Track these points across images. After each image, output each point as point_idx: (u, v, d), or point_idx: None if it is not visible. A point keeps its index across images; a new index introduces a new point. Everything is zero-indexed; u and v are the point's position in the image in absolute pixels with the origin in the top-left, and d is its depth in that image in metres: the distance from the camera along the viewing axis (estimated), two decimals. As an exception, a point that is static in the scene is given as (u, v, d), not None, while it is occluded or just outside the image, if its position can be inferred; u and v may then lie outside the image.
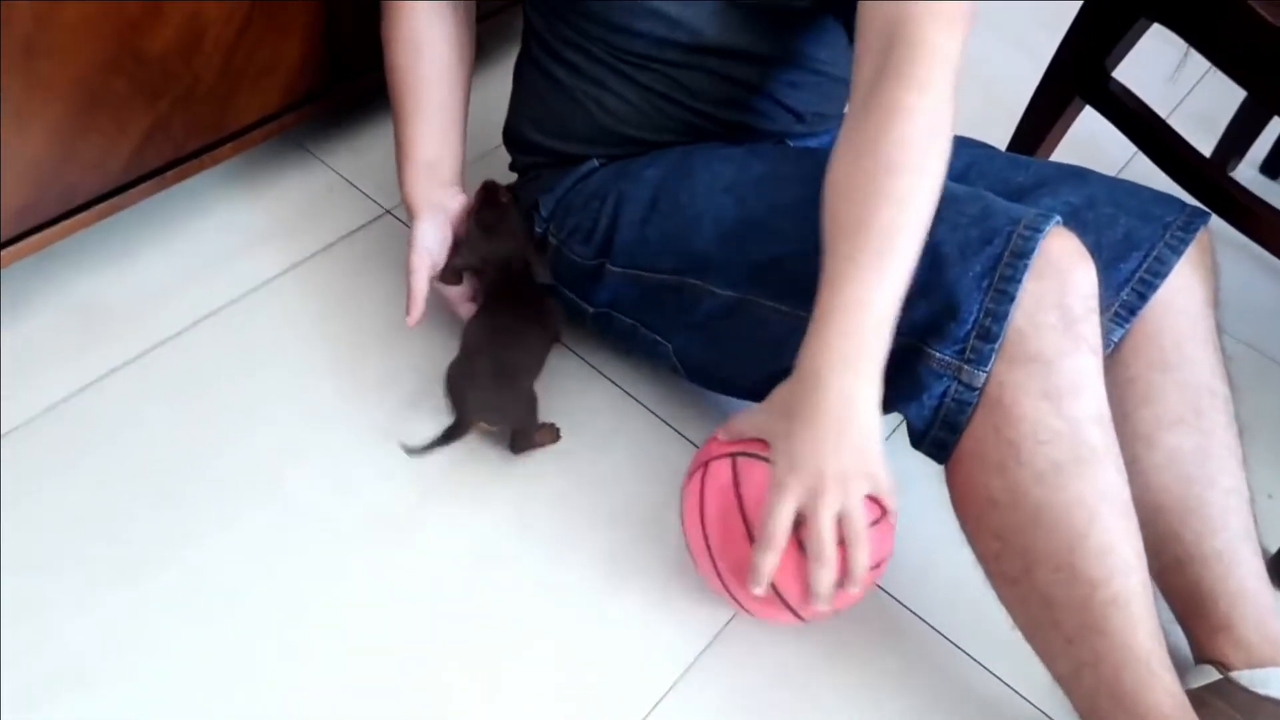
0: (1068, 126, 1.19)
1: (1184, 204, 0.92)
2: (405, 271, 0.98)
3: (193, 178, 1.10)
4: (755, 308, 0.85)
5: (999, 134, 1.21)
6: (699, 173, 0.88)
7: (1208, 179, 1.07)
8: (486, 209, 0.98)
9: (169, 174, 1.07)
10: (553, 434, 1.01)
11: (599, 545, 0.97)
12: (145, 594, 0.88)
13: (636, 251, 0.91)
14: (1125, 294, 0.89)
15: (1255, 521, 0.87)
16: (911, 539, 0.88)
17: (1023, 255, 0.74)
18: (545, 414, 0.99)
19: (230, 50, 1.04)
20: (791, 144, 0.97)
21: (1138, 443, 0.86)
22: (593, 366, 1.10)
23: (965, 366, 0.76)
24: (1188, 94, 1.57)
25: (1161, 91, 1.41)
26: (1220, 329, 0.93)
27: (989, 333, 0.75)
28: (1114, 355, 0.90)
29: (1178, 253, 0.89)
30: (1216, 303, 0.93)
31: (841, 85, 0.94)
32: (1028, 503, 0.74)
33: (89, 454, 0.96)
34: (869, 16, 0.78)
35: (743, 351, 0.88)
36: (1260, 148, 1.46)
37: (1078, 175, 0.94)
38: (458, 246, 0.99)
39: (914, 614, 0.96)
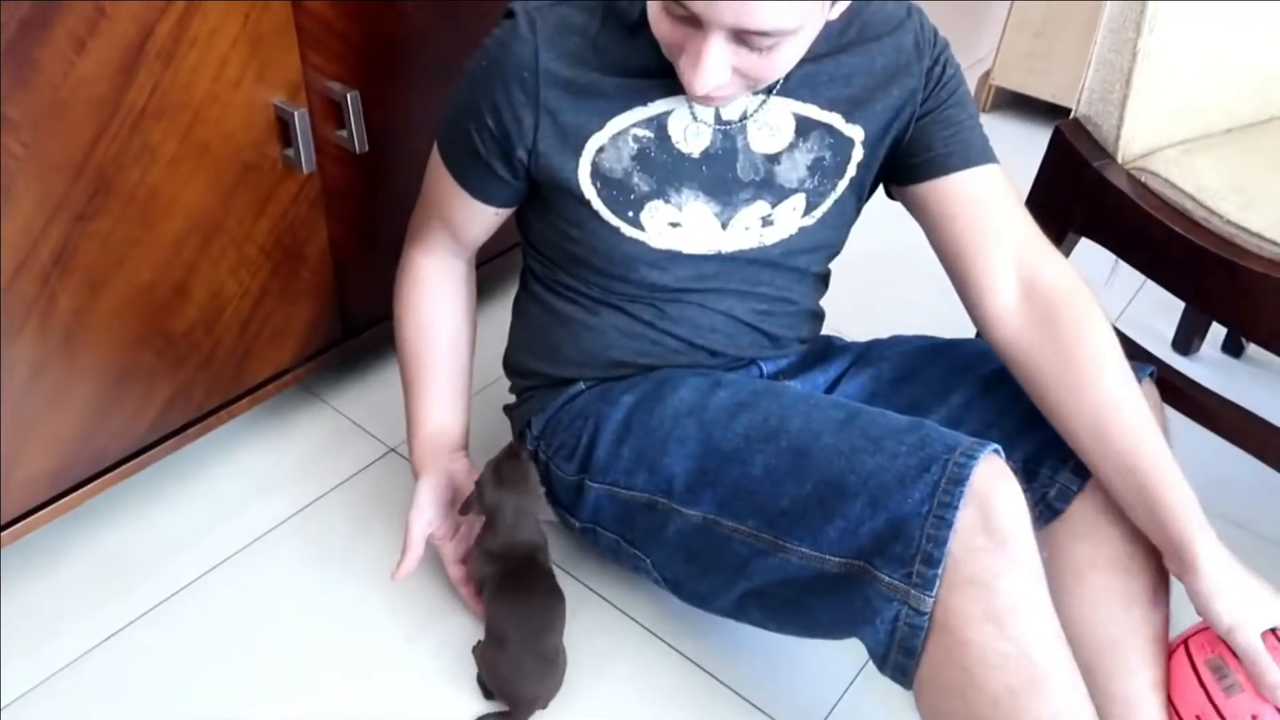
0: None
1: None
2: (404, 528, 1.04)
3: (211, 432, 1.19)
4: (718, 528, 0.90)
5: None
6: (668, 398, 0.96)
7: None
8: (506, 461, 1.02)
9: (190, 431, 1.16)
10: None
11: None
12: None
13: (612, 468, 0.97)
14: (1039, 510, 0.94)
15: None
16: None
17: (959, 482, 0.78)
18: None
19: (247, 319, 1.15)
20: (762, 365, 1.06)
21: (1068, 576, 0.90)
22: (585, 585, 1.14)
23: (913, 591, 0.79)
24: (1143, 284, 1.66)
25: (1106, 295, 1.50)
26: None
27: (931, 558, 0.79)
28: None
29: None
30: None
31: (805, 314, 1.07)
32: None
33: (108, 709, 1.00)
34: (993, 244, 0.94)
35: (712, 570, 0.93)
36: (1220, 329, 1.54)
37: (986, 355, 1.01)
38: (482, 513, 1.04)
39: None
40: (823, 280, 1.08)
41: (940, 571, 0.78)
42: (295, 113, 1.06)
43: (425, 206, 1.06)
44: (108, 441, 1.09)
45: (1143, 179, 1.08)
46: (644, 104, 0.90)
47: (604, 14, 0.88)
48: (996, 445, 0.82)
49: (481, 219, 1.02)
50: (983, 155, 0.95)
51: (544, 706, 1.00)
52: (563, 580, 1.13)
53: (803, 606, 0.88)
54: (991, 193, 0.94)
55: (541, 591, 1.00)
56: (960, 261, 0.95)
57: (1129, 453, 0.87)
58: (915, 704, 0.84)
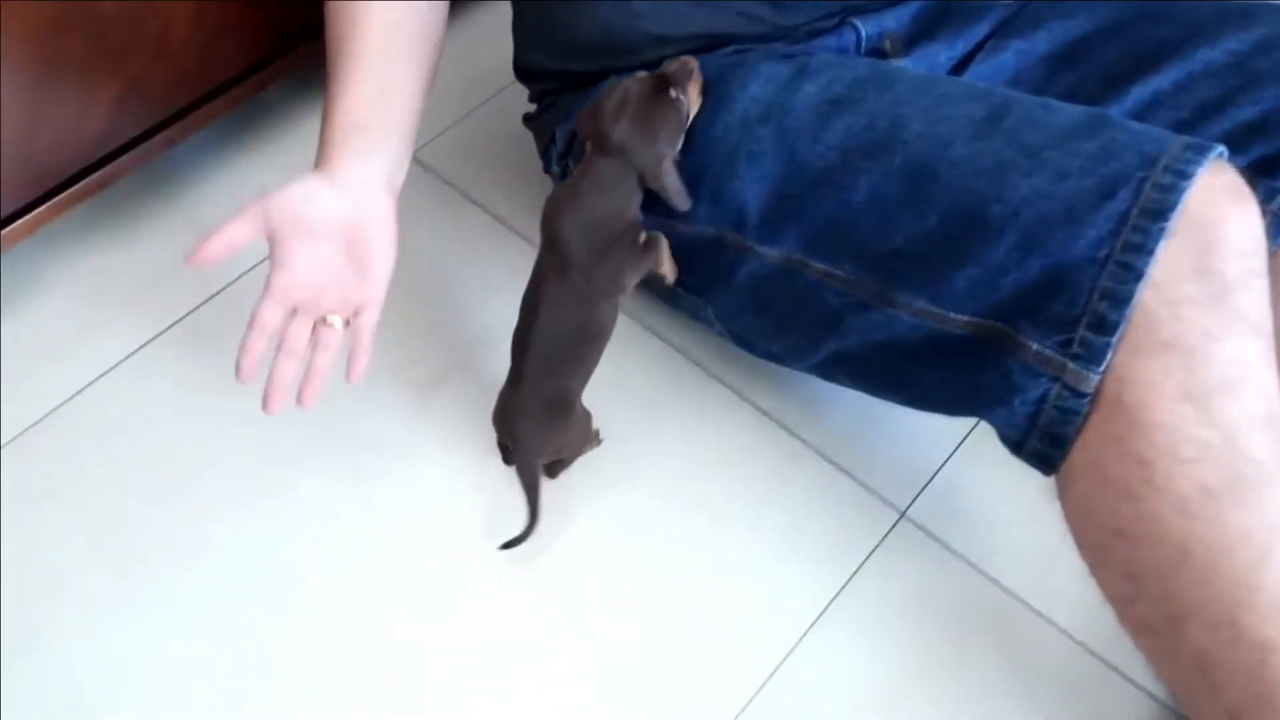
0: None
1: None
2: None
3: (192, 138, 0.99)
4: (805, 271, 0.67)
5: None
6: (735, 96, 0.70)
7: None
8: (654, 92, 0.70)
9: (156, 139, 0.96)
10: (595, 439, 0.87)
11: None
12: (151, 615, 0.80)
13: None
14: None
15: None
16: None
17: (1159, 215, 0.55)
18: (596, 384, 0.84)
19: (201, -10, 0.90)
20: (859, 24, 0.77)
21: None
22: (636, 320, 0.94)
23: (1070, 365, 0.57)
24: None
25: None
26: None
27: (1104, 322, 0.56)
28: None
29: None
30: None
31: None
32: (1170, 539, 0.56)
33: (93, 456, 0.88)
34: None
35: (793, 325, 0.71)
36: None
37: (1245, 13, 0.70)
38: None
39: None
40: None
41: (1115, 340, 0.56)
42: None
43: None
44: (50, 154, 0.90)
45: None
46: None
47: None
48: (1222, 147, 0.56)
49: None
50: None
51: (548, 461, 0.82)
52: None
53: (911, 377, 0.67)
54: None
55: (580, 318, 0.75)
56: None
57: None
58: (1056, 492, 0.63)
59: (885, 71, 0.68)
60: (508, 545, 0.80)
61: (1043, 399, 0.59)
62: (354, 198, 0.68)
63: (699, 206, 0.72)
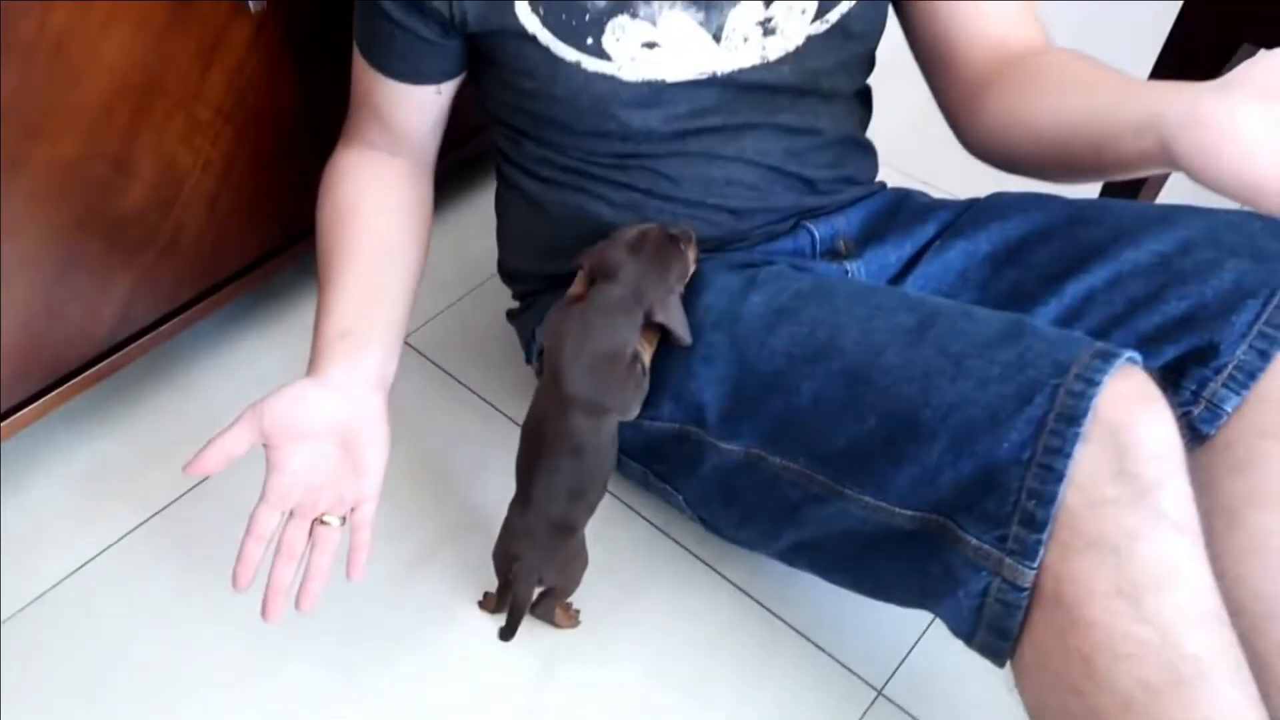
0: (1163, 183, 1.00)
1: None
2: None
3: (195, 325, 1.04)
4: (763, 465, 0.71)
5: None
6: (691, 304, 0.76)
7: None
8: (666, 238, 0.75)
9: (163, 329, 1.01)
10: (572, 618, 0.89)
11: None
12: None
13: None
14: (1242, 352, 0.70)
15: None
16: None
17: (1072, 420, 0.58)
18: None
19: (214, 194, 0.98)
20: (812, 228, 0.84)
21: (1218, 518, 0.67)
22: (618, 498, 0.98)
23: (1007, 560, 0.60)
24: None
25: None
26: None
27: (1034, 520, 0.59)
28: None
29: None
30: None
31: (842, 145, 0.84)
32: None
33: (91, 636, 0.90)
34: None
35: (757, 514, 0.75)
36: None
37: (1164, 218, 0.76)
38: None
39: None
40: (860, 100, 0.86)
41: (1045, 536, 0.59)
42: (231, -68, 0.84)
43: (354, 104, 0.86)
44: (61, 346, 0.95)
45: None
46: None
47: None
48: (1132, 353, 0.60)
49: (418, 102, 0.81)
50: None
51: (542, 588, 0.82)
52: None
53: (866, 568, 0.70)
54: None
55: (586, 446, 0.75)
56: (953, 48, 0.81)
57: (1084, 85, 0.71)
58: (1014, 682, 0.65)
59: (827, 283, 0.73)
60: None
61: (985, 592, 0.62)
62: (344, 398, 0.72)
63: (663, 404, 0.77)
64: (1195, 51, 0.91)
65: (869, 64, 0.85)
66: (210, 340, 1.13)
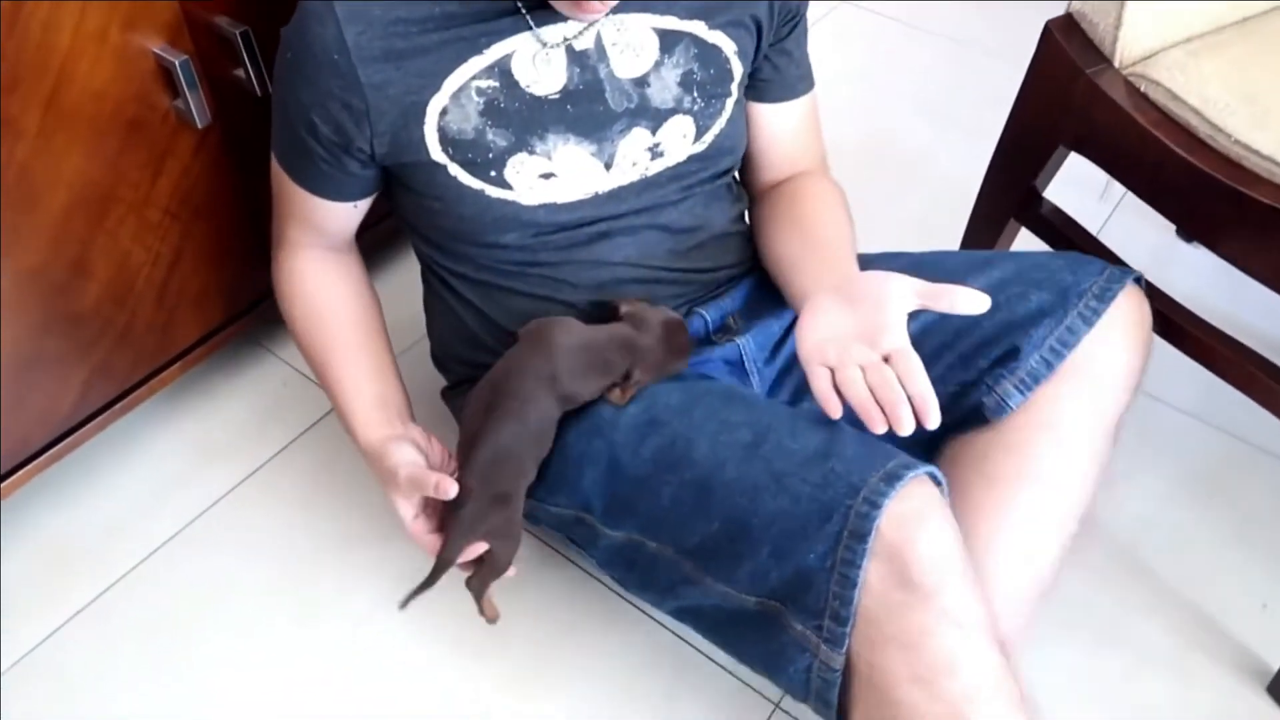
0: (1010, 242, 1.17)
1: (1104, 266, 0.89)
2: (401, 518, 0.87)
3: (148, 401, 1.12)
4: (645, 548, 0.84)
5: (953, 235, 1.21)
6: (578, 413, 0.88)
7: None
8: (677, 323, 0.89)
9: (116, 407, 1.09)
10: (494, 610, 0.94)
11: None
12: None
13: (535, 486, 0.89)
14: (1034, 361, 0.86)
15: None
16: None
17: (861, 537, 0.69)
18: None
19: (163, 285, 1.06)
20: (704, 313, 0.96)
21: (988, 490, 0.86)
22: (548, 543, 1.10)
23: (823, 646, 0.72)
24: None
25: (1097, 207, 1.39)
26: (1120, 428, 0.89)
27: (839, 616, 0.70)
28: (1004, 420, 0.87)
29: (1089, 322, 0.86)
30: (1139, 382, 0.90)
31: (723, 238, 0.96)
32: None
33: (55, 713, 0.98)
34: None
35: (648, 583, 0.87)
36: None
37: (986, 261, 0.92)
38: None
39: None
40: (731, 192, 0.99)
41: (849, 630, 0.71)
42: (177, 61, 0.93)
43: (280, 211, 0.95)
44: (27, 430, 1.02)
45: (1142, 88, 0.95)
46: (478, 52, 0.81)
47: None
48: (920, 470, 0.72)
49: (342, 215, 0.93)
50: (809, 81, 0.98)
51: (475, 553, 0.85)
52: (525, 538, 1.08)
53: (729, 636, 0.83)
54: (801, 120, 0.98)
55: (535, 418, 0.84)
56: (755, 158, 1.00)
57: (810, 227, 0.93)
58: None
59: (690, 399, 0.84)
60: (405, 601, 0.84)
61: (809, 669, 0.73)
62: (409, 441, 0.88)
63: (560, 494, 0.89)
64: (1022, 149, 1.08)
65: (738, 162, 0.98)
66: (162, 411, 1.21)
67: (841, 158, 1.05)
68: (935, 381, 0.74)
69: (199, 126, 0.98)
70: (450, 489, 0.79)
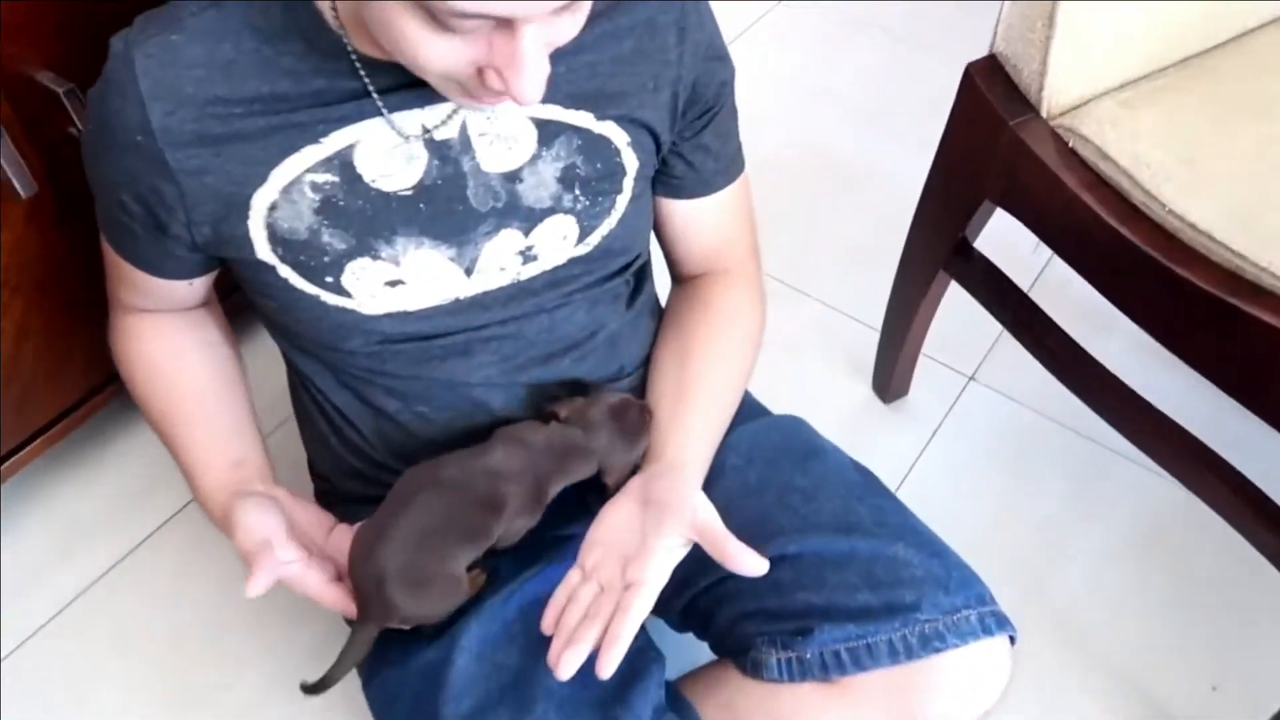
0: (939, 298, 1.08)
1: (984, 599, 0.76)
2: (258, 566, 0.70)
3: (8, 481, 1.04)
4: None
5: (892, 259, 1.10)
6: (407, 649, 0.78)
7: (1068, 365, 0.96)
8: (638, 408, 0.79)
9: (-31, 492, 1.01)
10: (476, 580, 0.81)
11: None
12: None
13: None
14: (813, 654, 0.76)
15: None
16: None
17: None
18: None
19: (11, 363, 0.97)
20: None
21: None
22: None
23: None
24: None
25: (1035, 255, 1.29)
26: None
27: None
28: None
29: (913, 653, 0.73)
30: None
31: (616, 338, 0.82)
32: None
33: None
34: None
35: None
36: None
37: (855, 528, 0.79)
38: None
39: None
40: (635, 279, 0.84)
41: None
42: (-10, 131, 0.83)
43: (111, 275, 0.82)
44: None
45: (1071, 143, 0.85)
46: (314, 141, 0.68)
47: (238, 28, 0.65)
48: None
49: (179, 290, 0.80)
50: (734, 170, 0.83)
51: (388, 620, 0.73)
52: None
53: None
54: (721, 213, 0.84)
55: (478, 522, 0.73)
56: (671, 249, 0.87)
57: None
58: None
59: (502, 661, 0.76)
60: (310, 689, 0.74)
61: None
62: (270, 500, 0.75)
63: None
64: (947, 200, 0.98)
65: (640, 254, 0.82)
66: (27, 489, 1.12)
67: (778, 170, 0.96)
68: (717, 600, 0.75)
69: (24, 196, 0.88)
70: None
